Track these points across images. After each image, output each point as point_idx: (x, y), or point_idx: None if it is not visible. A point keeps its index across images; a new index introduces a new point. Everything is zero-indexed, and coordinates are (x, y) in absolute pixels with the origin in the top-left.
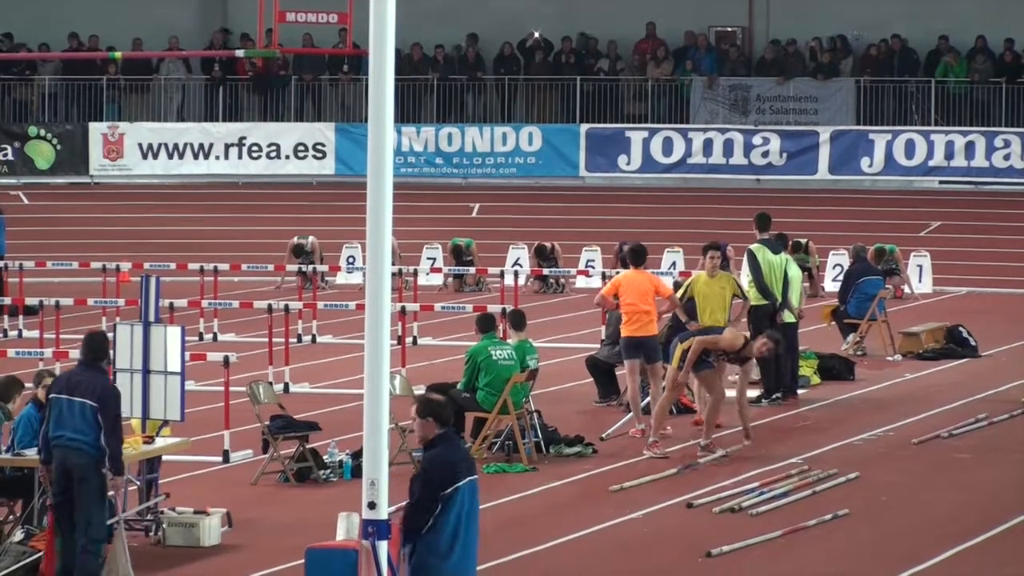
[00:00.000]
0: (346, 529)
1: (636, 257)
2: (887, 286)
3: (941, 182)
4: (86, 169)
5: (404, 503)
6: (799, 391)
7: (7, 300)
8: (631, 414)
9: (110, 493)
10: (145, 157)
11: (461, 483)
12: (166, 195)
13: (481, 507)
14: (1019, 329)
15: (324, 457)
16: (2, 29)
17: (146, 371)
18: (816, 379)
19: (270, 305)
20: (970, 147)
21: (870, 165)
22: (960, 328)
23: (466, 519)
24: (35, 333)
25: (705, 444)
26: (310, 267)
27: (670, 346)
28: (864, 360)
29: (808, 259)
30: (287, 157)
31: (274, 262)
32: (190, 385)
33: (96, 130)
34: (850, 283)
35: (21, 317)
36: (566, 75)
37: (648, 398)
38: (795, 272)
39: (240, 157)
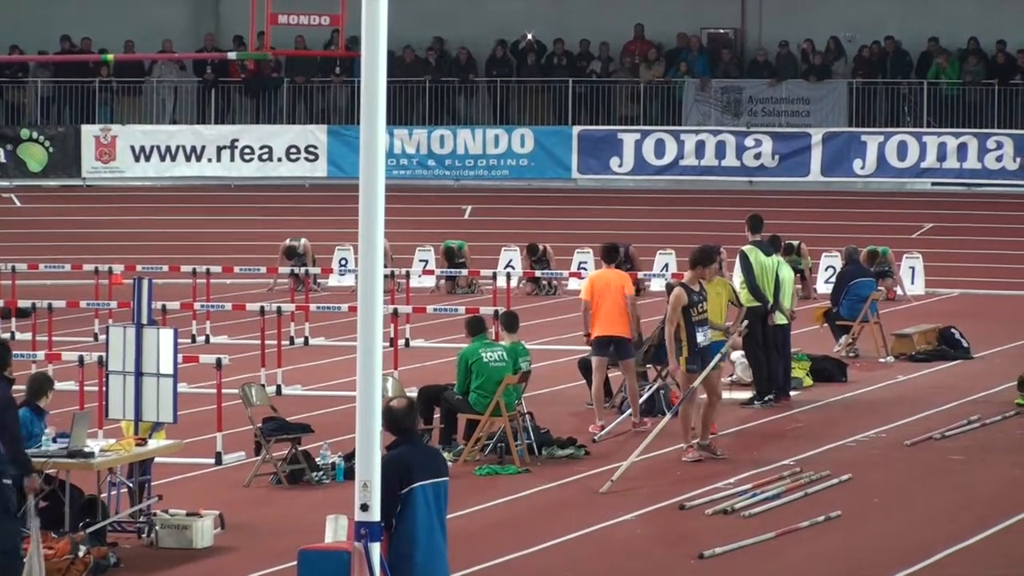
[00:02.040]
0: (333, 531)
1: (608, 255)
2: (879, 288)
3: (933, 184)
4: (78, 171)
5: None
6: (791, 393)
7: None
8: (624, 415)
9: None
10: (137, 159)
11: (417, 484)
12: (158, 197)
13: (473, 509)
14: (1012, 331)
15: (317, 459)
16: None
17: (139, 373)
18: (808, 381)
19: (262, 307)
20: (962, 149)
21: (862, 167)
22: (952, 330)
23: (434, 523)
24: (28, 335)
25: (705, 444)
26: (302, 269)
27: (663, 349)
28: (856, 362)
29: (801, 261)
30: (279, 159)
31: (267, 264)
32: (183, 387)
33: (88, 132)
34: (842, 285)
35: (14, 320)
36: (558, 77)
37: (624, 394)
38: (787, 274)
39: (232, 159)
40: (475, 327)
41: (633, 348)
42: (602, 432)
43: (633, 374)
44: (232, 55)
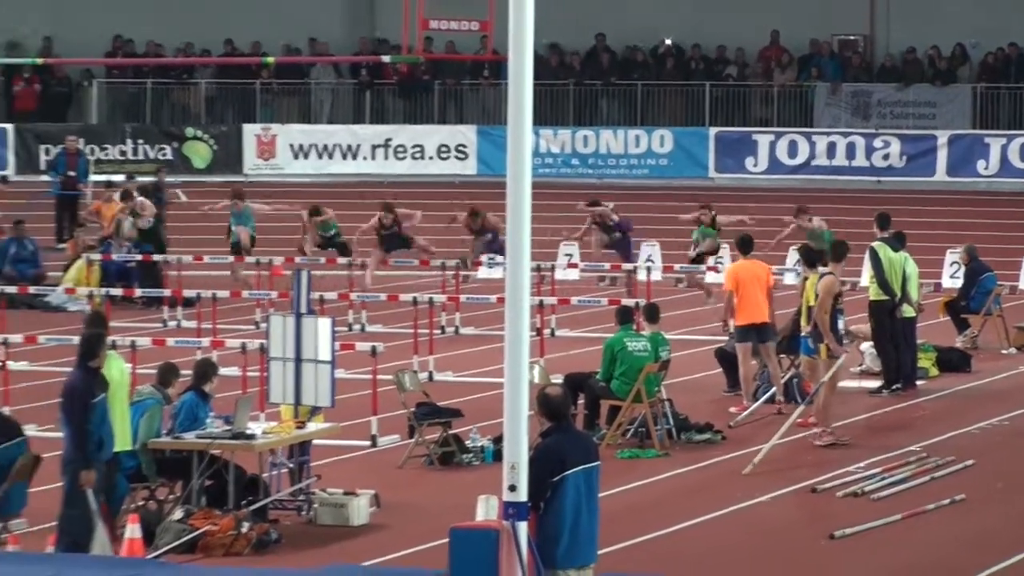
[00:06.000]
0: (485, 511)
1: (745, 246)
2: (1000, 283)
3: None
4: (240, 168)
5: None
6: (918, 382)
7: (167, 292)
8: (759, 401)
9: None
10: (296, 157)
11: (569, 472)
12: (316, 193)
13: (615, 491)
14: None
15: (467, 442)
16: (158, 38)
17: (298, 360)
18: (934, 371)
19: (415, 298)
20: None
21: (986, 167)
22: None
23: (582, 506)
24: (193, 323)
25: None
26: (454, 262)
27: (795, 339)
28: (979, 353)
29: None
30: (431, 158)
31: (418, 258)
32: (340, 373)
33: (250, 131)
34: (973, 280)
35: (180, 308)
36: (696, 80)
37: (758, 381)
38: (913, 268)
39: (386, 158)
40: (624, 316)
41: (772, 333)
42: (739, 416)
43: (774, 358)
44: (386, 59)
